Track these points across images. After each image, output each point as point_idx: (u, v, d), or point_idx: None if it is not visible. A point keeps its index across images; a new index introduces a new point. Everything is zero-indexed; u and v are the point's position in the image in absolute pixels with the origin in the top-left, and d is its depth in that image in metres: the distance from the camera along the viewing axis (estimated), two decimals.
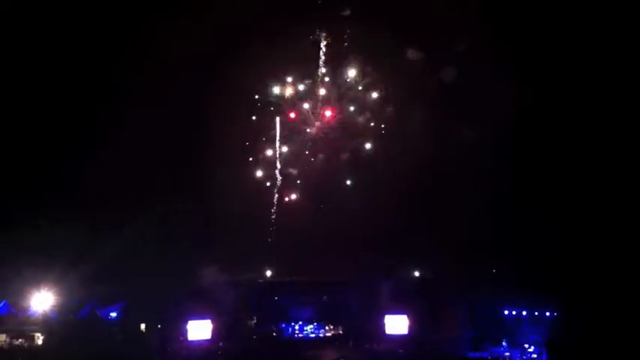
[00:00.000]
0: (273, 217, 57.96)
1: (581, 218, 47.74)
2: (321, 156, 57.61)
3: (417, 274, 56.28)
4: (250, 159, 57.40)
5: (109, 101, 54.04)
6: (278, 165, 57.78)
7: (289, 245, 56.53)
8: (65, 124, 53.62)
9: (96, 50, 53.43)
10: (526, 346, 47.18)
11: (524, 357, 46.86)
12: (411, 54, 54.00)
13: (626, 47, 47.22)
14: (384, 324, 51.50)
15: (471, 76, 52.56)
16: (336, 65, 56.68)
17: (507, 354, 47.56)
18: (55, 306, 50.80)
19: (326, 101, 57.07)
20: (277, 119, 57.28)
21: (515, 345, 47.90)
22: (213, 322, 50.40)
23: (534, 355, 46.44)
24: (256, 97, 56.72)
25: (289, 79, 56.74)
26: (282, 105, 57.09)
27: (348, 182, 57.02)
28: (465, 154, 53.37)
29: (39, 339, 49.72)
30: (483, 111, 51.80)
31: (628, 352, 37.93)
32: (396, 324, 51.28)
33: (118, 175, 52.60)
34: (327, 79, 56.95)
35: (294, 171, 58.03)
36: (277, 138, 57.41)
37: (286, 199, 58.06)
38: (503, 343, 48.43)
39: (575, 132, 49.49)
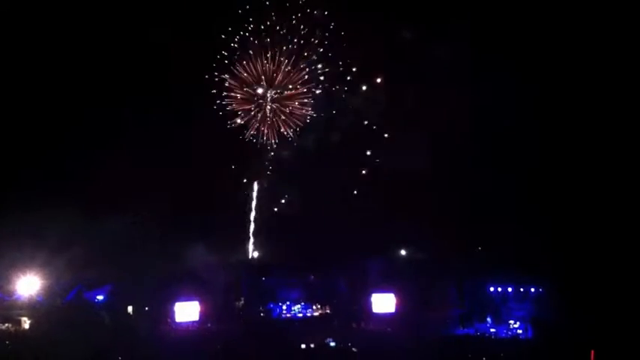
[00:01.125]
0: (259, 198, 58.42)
1: (570, 198, 48.23)
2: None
3: (403, 252, 56.68)
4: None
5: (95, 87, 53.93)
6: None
7: (277, 226, 56.75)
8: (54, 110, 53.25)
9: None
10: (511, 322, 47.67)
11: (510, 333, 47.34)
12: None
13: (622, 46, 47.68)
14: (371, 303, 51.84)
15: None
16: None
17: (493, 330, 48.03)
18: (41, 290, 50.54)
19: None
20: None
21: (501, 321, 48.38)
22: (201, 303, 50.44)
23: (519, 331, 46.94)
24: None
25: None
26: None
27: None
28: (455, 137, 53.72)
29: (26, 323, 49.48)
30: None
31: (612, 328, 38.39)
32: (383, 302, 51.52)
33: (106, 159, 52.37)
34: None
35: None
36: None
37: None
38: (488, 320, 48.88)
39: (566, 122, 49.99)
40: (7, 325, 49.12)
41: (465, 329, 48.97)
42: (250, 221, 58.81)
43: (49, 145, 53.30)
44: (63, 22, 51.69)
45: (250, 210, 58.78)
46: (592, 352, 36.06)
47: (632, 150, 46.69)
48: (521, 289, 48.11)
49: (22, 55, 51.30)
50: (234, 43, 56.50)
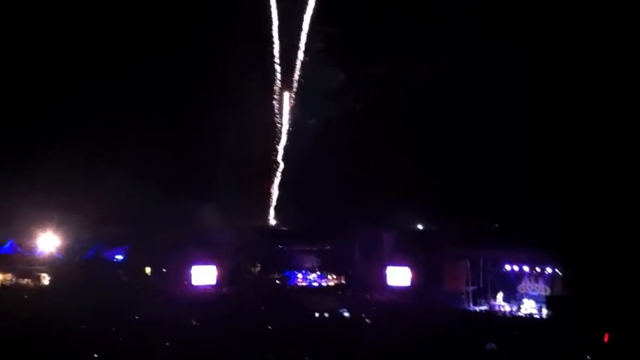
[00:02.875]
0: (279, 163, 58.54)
1: (587, 177, 47.88)
2: None
3: (420, 226, 56.74)
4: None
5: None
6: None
7: (294, 194, 56.90)
8: (75, 63, 53.43)
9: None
10: (525, 300, 47.72)
11: (523, 312, 47.39)
12: None
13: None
14: (385, 275, 52.12)
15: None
16: None
17: (507, 309, 48.11)
18: (61, 247, 51.31)
19: None
20: None
21: (515, 300, 48.43)
22: (218, 268, 50.95)
23: (534, 310, 46.97)
24: None
25: None
26: None
27: None
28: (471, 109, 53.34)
29: (45, 279, 50.35)
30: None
31: (627, 312, 38.31)
32: (398, 275, 51.79)
33: (125, 117, 52.62)
34: None
35: None
36: None
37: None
38: (500, 297, 48.92)
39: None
40: (26, 280, 50.03)
41: (478, 306, 49.15)
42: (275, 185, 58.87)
43: (70, 102, 53.66)
44: None
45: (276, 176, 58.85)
46: (606, 334, 36.00)
47: None
48: (537, 269, 47.90)
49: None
50: None
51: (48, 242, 50.82)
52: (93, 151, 53.29)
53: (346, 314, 44.13)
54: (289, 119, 59.92)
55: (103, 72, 53.79)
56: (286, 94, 59.44)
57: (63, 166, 49.36)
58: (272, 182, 59.97)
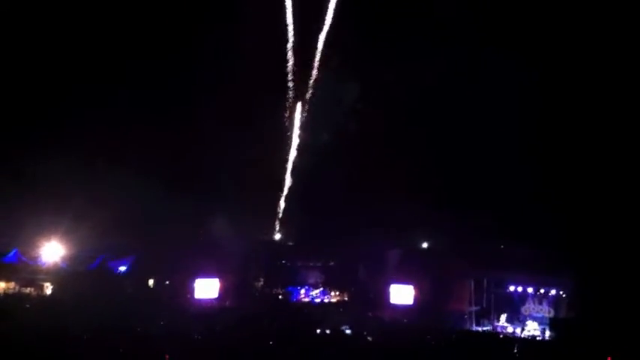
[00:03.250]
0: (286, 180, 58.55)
1: (592, 201, 47.83)
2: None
3: (425, 245, 56.59)
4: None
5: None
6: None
7: (301, 207, 56.87)
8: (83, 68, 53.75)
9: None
10: (529, 322, 47.49)
11: (527, 333, 47.12)
12: None
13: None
14: (389, 293, 51.94)
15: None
16: None
17: (510, 330, 47.85)
18: (65, 257, 51.35)
19: None
20: None
21: (519, 321, 48.18)
22: (221, 281, 50.89)
23: (537, 332, 46.71)
24: None
25: None
26: None
27: None
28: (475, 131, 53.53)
29: (48, 288, 50.33)
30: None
31: (631, 335, 38.07)
32: (402, 294, 51.67)
33: (132, 126, 52.83)
34: None
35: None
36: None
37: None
38: (504, 318, 48.68)
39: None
40: (29, 289, 49.96)
41: (481, 326, 48.89)
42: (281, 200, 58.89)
43: (78, 111, 53.91)
44: None
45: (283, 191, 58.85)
46: (609, 358, 35.76)
47: None
48: (542, 290, 47.73)
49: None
50: None
51: (53, 252, 50.88)
52: (99, 158, 53.52)
53: (348, 331, 43.87)
54: (299, 134, 60.10)
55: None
56: (298, 106, 59.61)
57: (70, 176, 49.51)
58: (280, 195, 60.05)
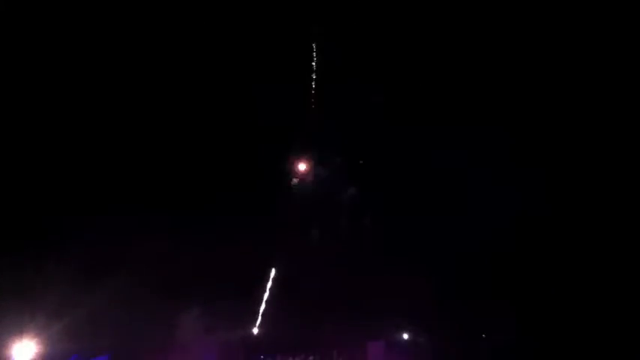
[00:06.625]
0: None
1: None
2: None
3: (405, 337, 55.83)
4: None
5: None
6: None
7: (277, 303, 56.25)
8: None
9: None
10: None
11: None
12: None
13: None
14: None
15: None
16: None
17: None
18: (37, 356, 50.07)
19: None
20: None
21: None
22: None
23: None
24: None
25: None
26: None
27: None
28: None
29: None
30: None
31: None
32: None
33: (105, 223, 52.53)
34: None
35: None
36: None
37: None
38: None
39: None
40: None
41: None
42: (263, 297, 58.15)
43: (47, 209, 53.62)
44: None
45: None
46: None
47: None
48: None
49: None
50: None
51: (24, 351, 49.58)
52: (79, 261, 52.94)
53: None
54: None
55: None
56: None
57: (41, 273, 48.91)
58: (262, 289, 59.30)
